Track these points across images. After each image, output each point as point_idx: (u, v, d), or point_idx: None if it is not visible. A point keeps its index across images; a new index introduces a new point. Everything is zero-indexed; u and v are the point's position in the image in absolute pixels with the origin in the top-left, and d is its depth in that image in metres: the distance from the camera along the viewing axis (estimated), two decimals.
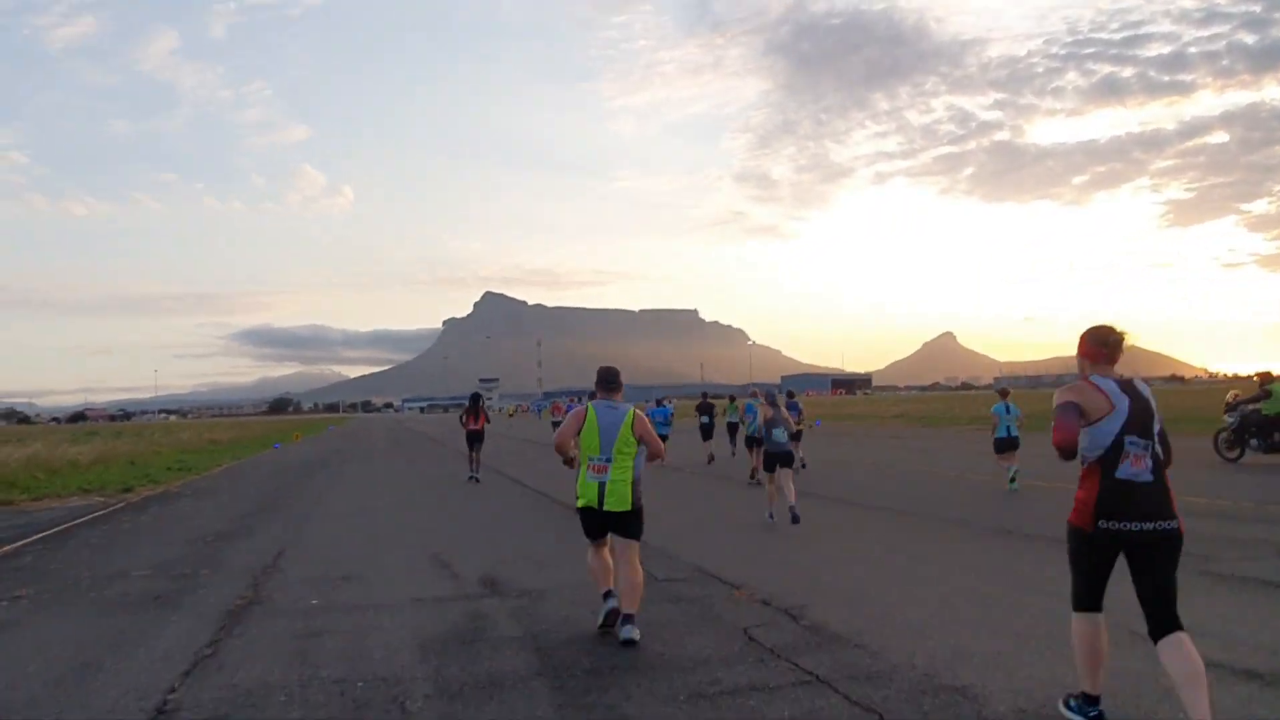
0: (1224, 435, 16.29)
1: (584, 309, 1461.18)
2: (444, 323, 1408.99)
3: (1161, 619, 3.39)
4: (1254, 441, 15.54)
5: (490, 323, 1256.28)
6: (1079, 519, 3.52)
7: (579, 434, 5.42)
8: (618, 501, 5.27)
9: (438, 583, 7.15)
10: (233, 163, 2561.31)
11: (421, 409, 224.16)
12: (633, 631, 5.10)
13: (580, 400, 18.69)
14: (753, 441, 13.82)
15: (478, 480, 16.29)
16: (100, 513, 13.32)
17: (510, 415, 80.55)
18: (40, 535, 10.88)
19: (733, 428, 20.06)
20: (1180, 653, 3.30)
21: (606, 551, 5.46)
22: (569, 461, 5.53)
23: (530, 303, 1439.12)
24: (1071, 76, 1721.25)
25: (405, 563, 8.13)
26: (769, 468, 10.02)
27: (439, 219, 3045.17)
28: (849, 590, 6.30)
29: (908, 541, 8.48)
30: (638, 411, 5.54)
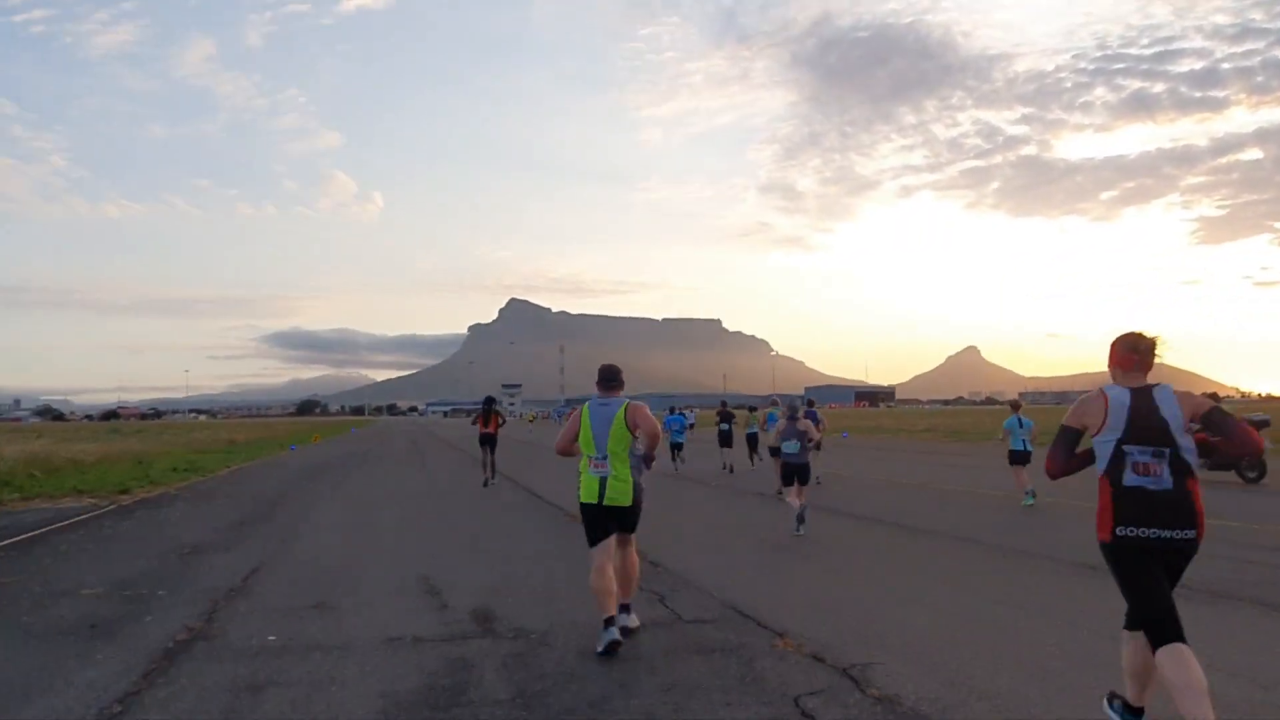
0: None
1: (608, 317, 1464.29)
2: (469, 328, 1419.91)
3: (1163, 629, 3.31)
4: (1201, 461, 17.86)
5: (515, 329, 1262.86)
6: (1100, 532, 3.48)
7: (578, 436, 5.42)
8: (619, 496, 5.23)
9: (422, 615, 6.07)
10: (266, 168, 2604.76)
11: (445, 413, 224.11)
12: (630, 619, 5.34)
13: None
14: (776, 452, 13.61)
15: (493, 483, 16.35)
16: (84, 516, 12.42)
17: (530, 421, 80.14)
18: (11, 541, 9.99)
19: (752, 438, 19.86)
20: (1181, 663, 3.21)
21: (611, 569, 5.25)
22: None
23: (555, 310, 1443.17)
24: (1100, 92, 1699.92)
25: (391, 587, 7.06)
26: (787, 481, 10.21)
27: (466, 226, 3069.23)
28: (915, 643, 5.10)
29: (971, 575, 7.27)
30: (631, 402, 5.42)
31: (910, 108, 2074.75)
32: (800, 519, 9.53)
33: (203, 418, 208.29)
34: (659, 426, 5.58)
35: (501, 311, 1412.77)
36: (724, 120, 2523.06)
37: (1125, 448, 3.39)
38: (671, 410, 22.56)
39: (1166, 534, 3.32)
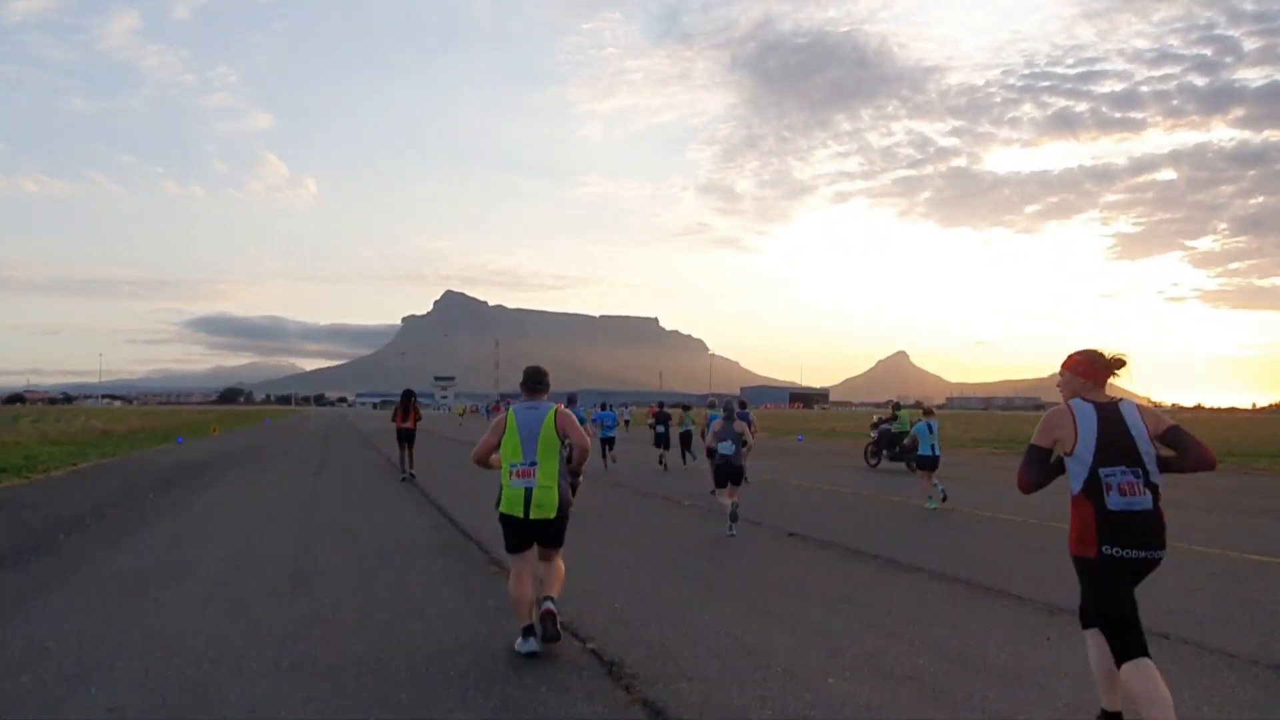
0: (869, 447, 20.68)
1: (545, 312, 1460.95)
2: (403, 319, 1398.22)
3: (1128, 641, 3.37)
4: (885, 452, 20.07)
5: (450, 322, 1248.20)
6: (1079, 548, 3.48)
7: (498, 446, 5.14)
8: (543, 508, 4.97)
9: None
10: (195, 148, 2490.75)
11: (374, 405, 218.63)
12: (551, 605, 4.94)
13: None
14: (713, 453, 13.76)
15: (413, 477, 15.95)
16: None
17: (461, 415, 77.30)
18: None
19: (685, 437, 20.33)
20: (1147, 677, 3.29)
21: (529, 578, 5.06)
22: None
23: (491, 303, 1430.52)
24: (1027, 108, 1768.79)
25: (159, 676, 4.71)
26: (720, 482, 10.13)
27: (402, 216, 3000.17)
28: None
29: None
30: (560, 407, 5.20)
31: (846, 115, 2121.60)
32: (733, 517, 9.52)
33: (117, 403, 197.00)
34: (589, 439, 5.40)
35: (437, 303, 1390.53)
36: (664, 119, 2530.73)
37: (1105, 469, 3.39)
38: (602, 406, 22.08)
39: (1147, 554, 3.38)
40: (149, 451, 26.29)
